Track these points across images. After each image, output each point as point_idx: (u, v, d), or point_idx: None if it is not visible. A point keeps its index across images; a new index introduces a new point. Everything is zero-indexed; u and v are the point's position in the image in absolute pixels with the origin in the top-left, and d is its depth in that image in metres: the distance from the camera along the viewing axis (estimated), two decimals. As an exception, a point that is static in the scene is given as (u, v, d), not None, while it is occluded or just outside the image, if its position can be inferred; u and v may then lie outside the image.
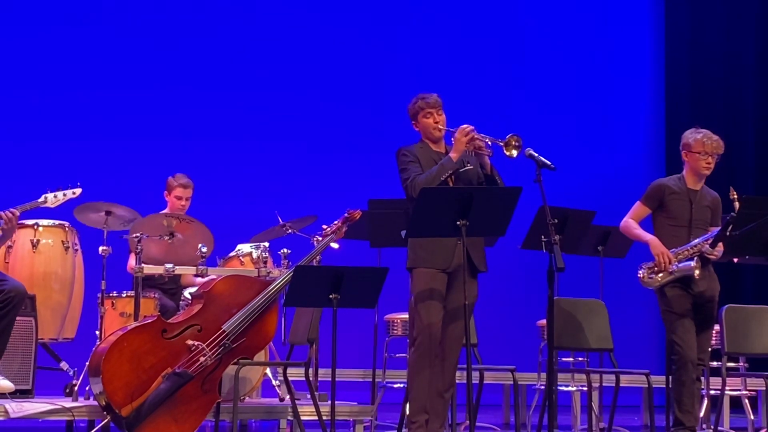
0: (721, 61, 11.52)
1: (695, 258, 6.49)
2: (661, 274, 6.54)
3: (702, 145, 6.62)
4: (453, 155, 6.08)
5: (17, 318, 6.00)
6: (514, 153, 5.93)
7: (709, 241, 6.51)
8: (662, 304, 6.61)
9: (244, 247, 7.50)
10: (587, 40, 11.47)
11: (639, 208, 6.76)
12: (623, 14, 11.64)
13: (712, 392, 7.59)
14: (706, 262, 6.59)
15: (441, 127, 6.25)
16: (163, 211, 7.70)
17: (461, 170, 6.13)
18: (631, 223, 6.75)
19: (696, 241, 6.55)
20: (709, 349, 6.80)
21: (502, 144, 5.96)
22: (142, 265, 6.58)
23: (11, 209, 6.06)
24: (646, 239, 6.65)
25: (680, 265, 6.50)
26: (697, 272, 6.45)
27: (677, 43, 11.51)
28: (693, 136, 6.65)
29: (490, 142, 6.09)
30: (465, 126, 6.09)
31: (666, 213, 6.67)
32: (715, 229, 6.59)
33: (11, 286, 5.83)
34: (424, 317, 6.04)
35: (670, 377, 6.63)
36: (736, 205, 6.31)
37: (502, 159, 6.04)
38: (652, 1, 11.74)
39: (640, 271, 6.61)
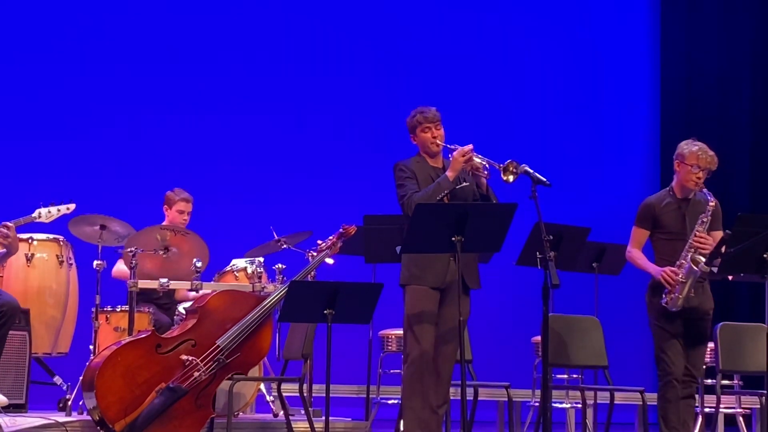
0: (716, 78, 11.53)
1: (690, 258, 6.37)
2: (677, 292, 6.42)
3: (696, 158, 6.45)
4: (450, 174, 6.07)
5: (11, 332, 6.00)
6: (511, 178, 5.91)
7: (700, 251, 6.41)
8: (651, 317, 6.52)
9: (239, 262, 7.49)
10: (582, 56, 11.49)
11: (637, 233, 6.61)
12: (619, 32, 11.65)
13: (706, 410, 7.57)
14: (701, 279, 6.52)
15: (439, 142, 6.23)
16: (159, 225, 7.67)
17: (457, 187, 6.12)
18: (635, 253, 6.58)
19: (687, 246, 6.43)
20: (704, 366, 6.77)
21: (500, 168, 5.94)
22: (137, 280, 6.57)
23: (5, 223, 6.05)
24: (649, 270, 6.50)
25: (685, 270, 6.37)
26: (700, 264, 6.30)
27: (673, 61, 11.53)
28: (688, 147, 6.50)
29: (488, 165, 6.08)
30: (464, 147, 6.07)
31: (660, 228, 6.55)
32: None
33: (3, 300, 5.81)
34: (417, 334, 6.03)
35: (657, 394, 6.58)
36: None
37: (497, 176, 6.03)
38: (648, 19, 11.76)
39: (662, 300, 6.44)
